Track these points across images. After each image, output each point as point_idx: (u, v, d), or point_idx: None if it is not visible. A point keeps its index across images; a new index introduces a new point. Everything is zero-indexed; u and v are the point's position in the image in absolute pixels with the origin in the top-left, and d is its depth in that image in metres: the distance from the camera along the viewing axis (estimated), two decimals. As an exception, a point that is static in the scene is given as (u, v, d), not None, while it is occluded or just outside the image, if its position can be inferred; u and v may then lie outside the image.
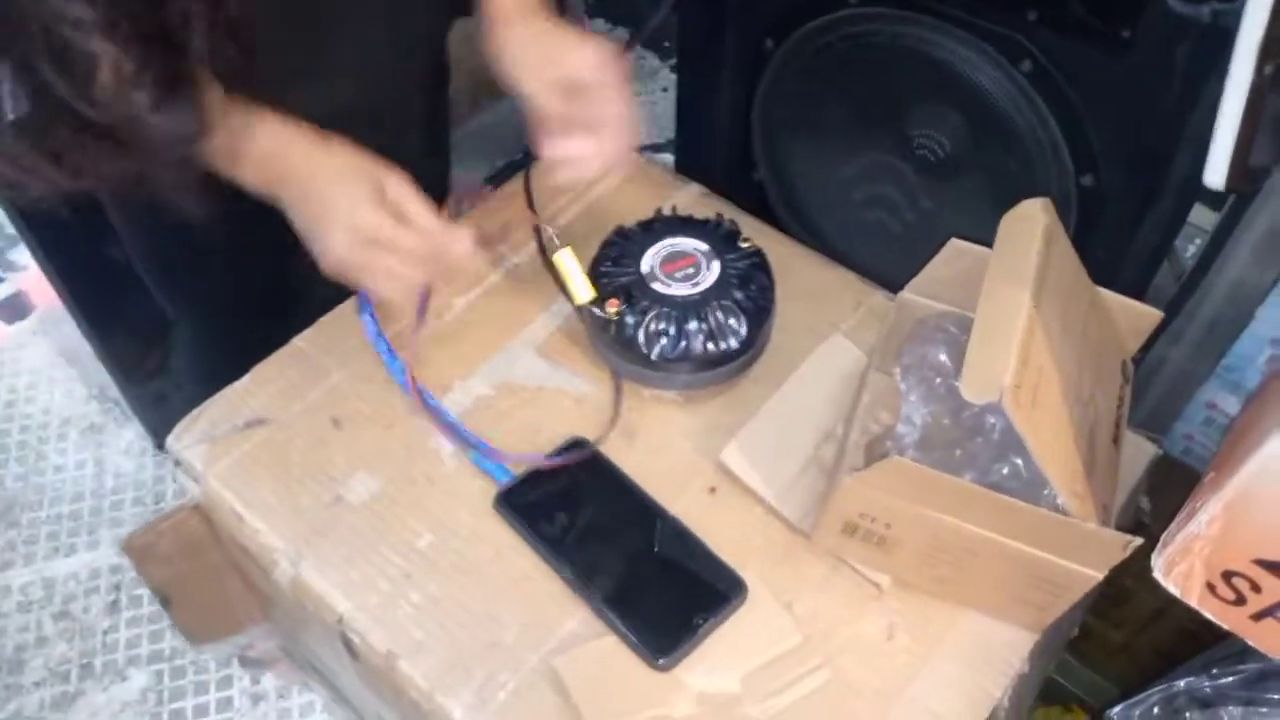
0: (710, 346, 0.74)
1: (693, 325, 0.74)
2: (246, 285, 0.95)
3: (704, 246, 0.78)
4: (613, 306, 0.76)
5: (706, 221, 0.81)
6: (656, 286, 0.76)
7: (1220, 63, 0.62)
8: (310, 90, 0.69)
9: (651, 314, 0.74)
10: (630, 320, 0.75)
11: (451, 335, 0.81)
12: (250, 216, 0.70)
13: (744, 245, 0.79)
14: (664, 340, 0.74)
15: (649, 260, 0.77)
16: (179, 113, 0.58)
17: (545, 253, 0.85)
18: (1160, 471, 0.76)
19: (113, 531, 1.40)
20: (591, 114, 0.71)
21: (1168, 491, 0.79)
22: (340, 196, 0.67)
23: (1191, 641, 0.90)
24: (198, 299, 0.99)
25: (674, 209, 0.83)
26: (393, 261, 0.68)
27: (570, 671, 0.64)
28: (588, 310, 0.77)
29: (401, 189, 0.68)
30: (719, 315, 0.75)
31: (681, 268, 0.77)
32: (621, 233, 0.81)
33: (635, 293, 0.75)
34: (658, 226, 0.80)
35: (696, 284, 0.76)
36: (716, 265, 0.77)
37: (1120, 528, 0.70)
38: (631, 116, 0.72)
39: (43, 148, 0.57)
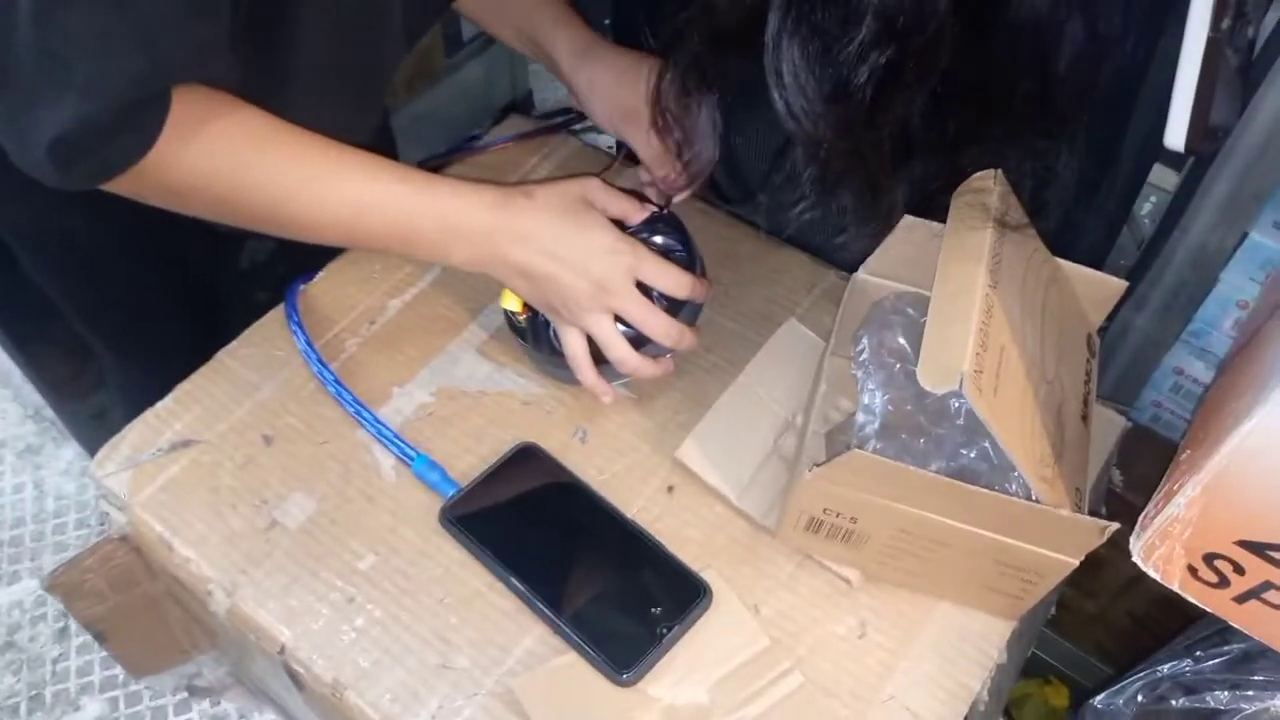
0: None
1: None
2: (168, 305, 0.90)
3: None
4: (523, 312, 0.72)
5: None
6: None
7: (1173, 21, 0.60)
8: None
9: None
10: (541, 320, 0.71)
11: (386, 340, 0.77)
12: (147, 237, 0.66)
13: (652, 212, 0.72)
14: None
15: None
16: None
17: None
18: (1130, 441, 0.74)
19: (56, 556, 1.35)
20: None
21: (1139, 461, 0.77)
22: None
23: (1168, 608, 0.89)
24: (116, 327, 0.94)
25: None
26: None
27: (529, 693, 0.60)
28: (507, 318, 0.73)
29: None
30: None
31: None
32: None
33: None
34: None
35: None
36: None
37: (1093, 504, 0.68)
38: None
39: None
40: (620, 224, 0.69)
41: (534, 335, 0.72)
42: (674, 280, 0.68)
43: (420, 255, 0.70)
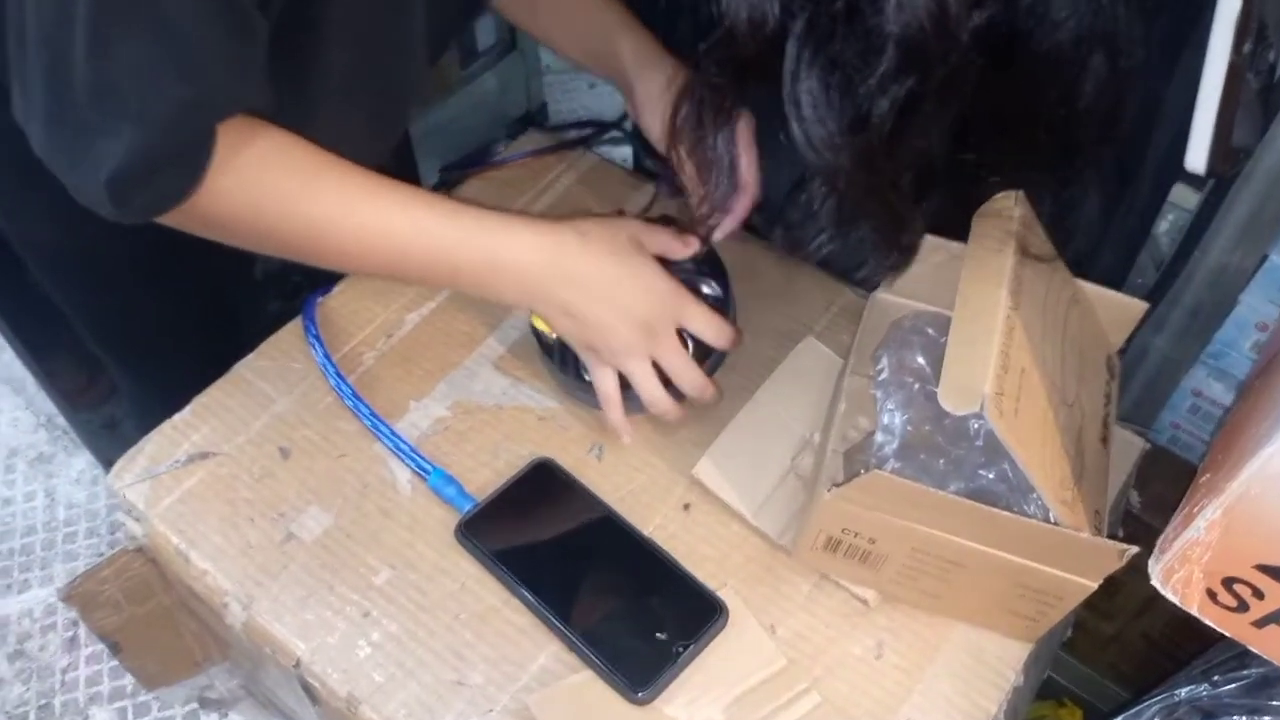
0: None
1: None
2: (182, 318, 0.90)
3: None
4: (553, 333, 0.72)
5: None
6: None
7: (1191, 43, 0.60)
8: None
9: None
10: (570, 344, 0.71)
11: (403, 354, 0.77)
12: (168, 252, 0.66)
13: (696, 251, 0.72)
14: None
15: None
16: None
17: None
18: (1148, 462, 0.74)
19: (67, 565, 1.35)
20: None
21: (1156, 481, 0.77)
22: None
23: (1184, 630, 0.88)
24: (130, 340, 0.94)
25: (621, 213, 0.79)
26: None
27: (544, 710, 0.60)
28: (533, 335, 0.73)
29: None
30: None
31: None
32: None
33: None
34: None
35: None
36: None
37: (1111, 526, 0.68)
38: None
39: None
40: (664, 261, 0.69)
41: (562, 358, 0.72)
42: (716, 332, 0.68)
43: (465, 290, 0.70)
